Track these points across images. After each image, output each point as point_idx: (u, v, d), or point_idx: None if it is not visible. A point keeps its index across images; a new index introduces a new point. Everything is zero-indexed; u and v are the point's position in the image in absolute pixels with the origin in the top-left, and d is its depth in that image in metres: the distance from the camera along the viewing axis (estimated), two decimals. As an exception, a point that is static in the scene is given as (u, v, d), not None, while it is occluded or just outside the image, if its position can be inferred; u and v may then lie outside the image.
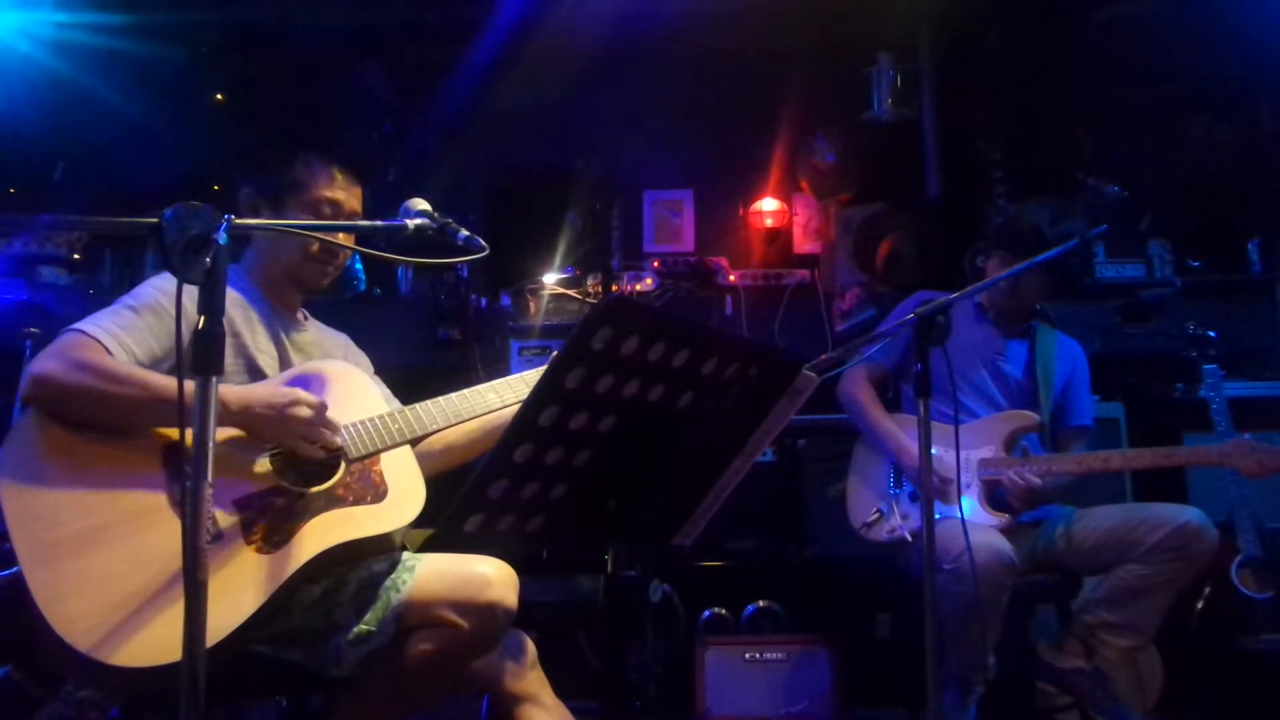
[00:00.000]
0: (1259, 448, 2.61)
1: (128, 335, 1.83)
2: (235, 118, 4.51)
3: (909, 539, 2.79)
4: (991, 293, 3.02)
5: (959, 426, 2.71)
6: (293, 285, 2.15)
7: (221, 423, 1.75)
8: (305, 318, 2.23)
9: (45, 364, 1.75)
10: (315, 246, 2.09)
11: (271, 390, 1.88)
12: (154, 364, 1.84)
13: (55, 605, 1.59)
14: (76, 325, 1.82)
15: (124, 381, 1.74)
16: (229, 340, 1.98)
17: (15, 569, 1.64)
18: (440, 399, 2.06)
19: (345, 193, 2.13)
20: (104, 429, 1.76)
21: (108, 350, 1.79)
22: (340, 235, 2.10)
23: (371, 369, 2.29)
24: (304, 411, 1.85)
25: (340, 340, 2.30)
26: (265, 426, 1.83)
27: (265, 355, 2.04)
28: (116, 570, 1.65)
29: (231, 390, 1.83)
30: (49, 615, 1.58)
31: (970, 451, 2.82)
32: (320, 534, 1.81)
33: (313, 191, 2.09)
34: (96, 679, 1.67)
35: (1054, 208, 2.93)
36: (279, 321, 2.12)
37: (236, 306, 2.03)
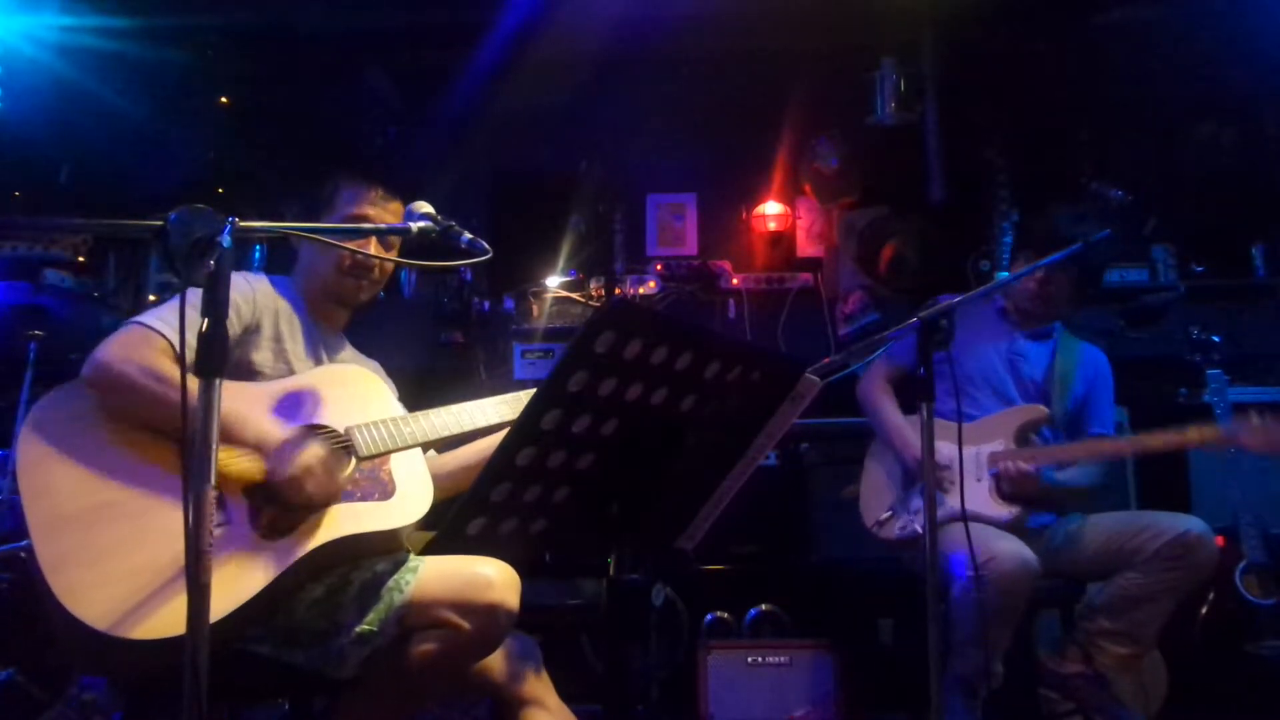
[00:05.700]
0: (1266, 425, 2.59)
1: (188, 329, 1.84)
2: (240, 122, 4.52)
3: (920, 531, 2.79)
4: (1017, 296, 3.02)
5: (970, 423, 2.77)
6: (332, 301, 2.19)
7: (229, 439, 1.77)
8: (342, 340, 2.27)
9: (104, 351, 1.80)
10: (347, 261, 2.12)
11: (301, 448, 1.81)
12: None
13: (59, 575, 1.62)
14: (139, 318, 1.87)
15: (165, 382, 1.77)
16: (270, 344, 2.03)
17: (24, 542, 1.68)
18: (453, 407, 2.08)
19: (382, 209, 2.15)
20: (140, 422, 1.79)
21: (169, 340, 1.82)
22: (373, 246, 2.11)
23: (395, 395, 2.30)
24: (310, 485, 1.80)
25: (370, 366, 2.32)
26: (274, 466, 1.80)
27: (301, 363, 2.07)
28: (123, 545, 1.68)
29: (251, 424, 1.81)
30: (53, 585, 1.61)
31: (981, 446, 2.84)
32: (326, 526, 1.82)
33: (352, 210, 2.12)
34: (98, 655, 1.68)
35: (1074, 213, 2.96)
36: (320, 337, 2.16)
37: (283, 314, 2.08)
